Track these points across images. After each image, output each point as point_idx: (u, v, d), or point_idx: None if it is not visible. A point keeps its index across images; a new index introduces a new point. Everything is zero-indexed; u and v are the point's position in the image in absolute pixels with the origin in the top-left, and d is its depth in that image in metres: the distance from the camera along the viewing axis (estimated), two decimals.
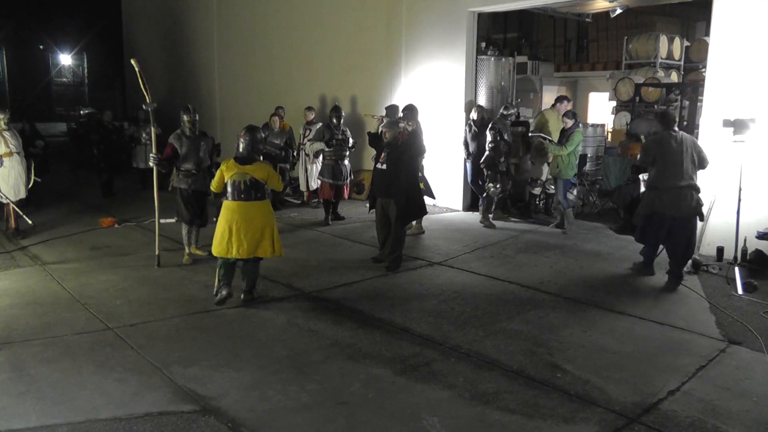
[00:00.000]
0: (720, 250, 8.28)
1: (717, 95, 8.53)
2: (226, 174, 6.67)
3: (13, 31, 30.89)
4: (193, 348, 5.64)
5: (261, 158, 6.92)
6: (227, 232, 6.54)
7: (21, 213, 9.70)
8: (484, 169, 10.62)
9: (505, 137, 10.50)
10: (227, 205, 6.68)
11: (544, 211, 11.59)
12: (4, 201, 9.71)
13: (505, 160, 10.55)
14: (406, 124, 9.06)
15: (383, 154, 8.09)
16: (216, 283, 6.77)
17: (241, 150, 6.76)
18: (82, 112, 28.23)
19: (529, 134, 10.99)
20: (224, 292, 6.66)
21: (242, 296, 6.83)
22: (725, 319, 6.35)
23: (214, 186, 6.85)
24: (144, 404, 4.60)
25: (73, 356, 5.44)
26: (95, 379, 5.00)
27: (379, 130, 8.52)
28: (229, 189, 6.68)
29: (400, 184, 7.96)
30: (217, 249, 6.61)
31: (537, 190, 11.44)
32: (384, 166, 8.03)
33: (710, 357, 5.45)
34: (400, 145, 8.10)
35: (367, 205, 8.97)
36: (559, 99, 11.20)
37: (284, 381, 4.98)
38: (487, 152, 10.54)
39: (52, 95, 34.27)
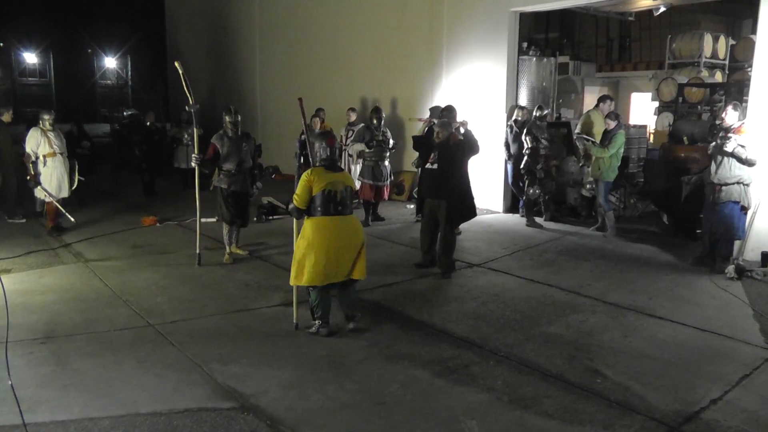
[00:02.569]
0: (765, 256, 8.08)
1: (763, 95, 8.34)
2: (315, 185, 5.66)
3: (61, 36, 31.57)
4: (233, 346, 5.69)
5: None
6: (323, 257, 5.60)
7: (64, 211, 9.88)
8: (524, 174, 10.58)
9: (542, 141, 10.41)
10: (320, 223, 5.67)
11: (586, 213, 11.46)
12: (47, 199, 9.87)
13: (544, 163, 10.46)
14: (462, 124, 8.92)
15: (433, 155, 7.97)
16: (315, 311, 5.94)
17: (325, 157, 5.89)
18: (125, 113, 28.75)
19: (575, 137, 10.87)
20: (324, 332, 5.82)
21: (350, 326, 5.97)
22: None
23: (300, 201, 5.72)
24: (184, 400, 4.66)
25: (115, 351, 5.54)
26: (136, 374, 5.09)
27: (434, 131, 8.38)
28: (319, 202, 5.67)
29: (453, 184, 7.79)
30: (306, 278, 5.65)
31: (587, 192, 11.27)
32: (435, 166, 7.89)
33: (754, 366, 5.33)
34: (452, 145, 7.98)
35: (410, 206, 8.91)
36: (602, 99, 11.05)
37: (323, 380, 5.00)
38: (525, 158, 10.49)
39: (97, 97, 34.94)
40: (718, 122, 8.31)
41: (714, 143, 7.99)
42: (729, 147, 7.74)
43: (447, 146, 7.90)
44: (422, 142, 9.40)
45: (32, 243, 9.38)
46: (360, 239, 5.84)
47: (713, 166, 7.96)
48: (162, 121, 18.18)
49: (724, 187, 7.88)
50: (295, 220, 6.07)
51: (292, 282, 5.84)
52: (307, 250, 5.65)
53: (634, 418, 4.44)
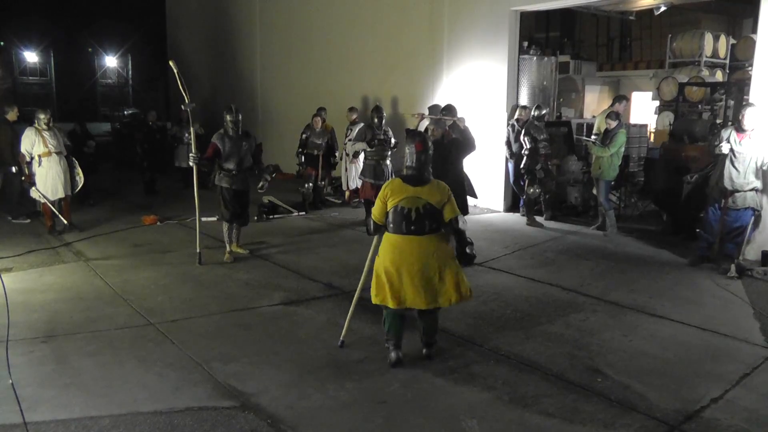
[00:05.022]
0: (765, 255, 8.08)
1: (764, 95, 8.31)
2: (391, 199, 5.10)
3: (61, 35, 31.60)
4: (234, 345, 5.69)
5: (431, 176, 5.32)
6: (396, 276, 5.04)
7: (57, 212, 9.85)
8: (524, 174, 10.58)
9: (540, 141, 10.39)
10: (390, 241, 5.12)
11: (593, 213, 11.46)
12: (41, 200, 9.81)
13: (545, 162, 10.46)
14: (458, 121, 8.82)
15: None
16: (385, 334, 5.39)
17: (410, 165, 5.24)
18: (125, 112, 28.78)
19: (591, 138, 10.81)
20: (393, 357, 5.26)
21: (424, 351, 5.41)
22: None
23: (376, 215, 5.24)
24: (184, 399, 4.66)
25: (116, 350, 5.54)
26: (137, 373, 5.09)
27: (424, 128, 8.37)
28: (391, 218, 5.11)
29: (447, 182, 7.76)
30: (381, 297, 5.14)
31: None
32: None
33: (754, 364, 5.33)
34: (447, 143, 7.96)
35: None
36: (618, 99, 11.01)
37: (323, 379, 5.00)
38: (524, 158, 10.49)
39: (97, 96, 35.00)
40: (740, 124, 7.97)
41: (728, 146, 7.73)
42: (764, 159, 7.60)
43: (441, 144, 7.89)
44: None
45: (33, 242, 9.39)
46: (439, 262, 5.06)
47: (733, 171, 7.72)
48: (163, 120, 18.19)
49: (738, 194, 7.75)
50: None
51: (373, 300, 5.26)
52: (380, 268, 5.15)
53: (634, 417, 4.45)
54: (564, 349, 5.63)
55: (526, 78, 12.28)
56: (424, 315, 5.24)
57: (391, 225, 5.11)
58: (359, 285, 5.74)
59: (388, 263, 5.08)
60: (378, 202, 5.19)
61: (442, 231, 5.16)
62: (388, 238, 5.15)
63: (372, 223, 5.32)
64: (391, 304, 5.09)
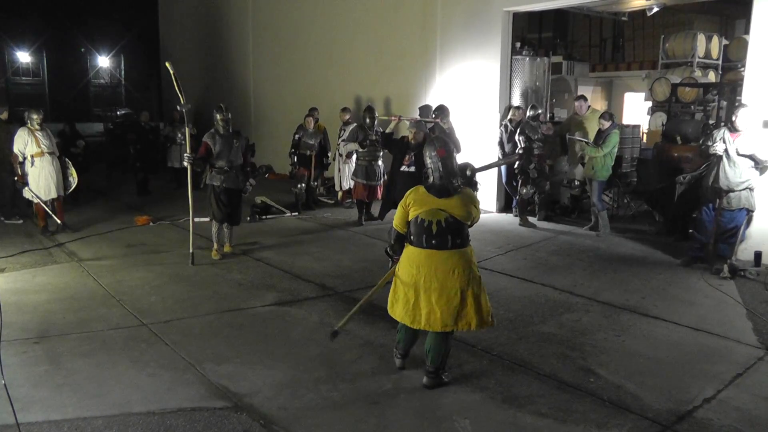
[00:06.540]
0: (758, 255, 8.10)
1: (756, 95, 8.34)
2: (412, 209, 4.76)
3: (54, 35, 31.47)
4: (227, 345, 5.68)
5: (461, 185, 4.89)
6: (413, 293, 4.72)
7: (50, 213, 9.82)
8: (517, 174, 10.60)
9: (535, 141, 10.41)
10: (410, 254, 4.79)
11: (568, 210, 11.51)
12: (35, 200, 9.79)
13: (538, 163, 10.47)
14: (441, 122, 8.78)
15: (407, 156, 7.77)
16: (395, 342, 5.25)
17: (435, 172, 4.86)
18: (118, 112, 28.67)
19: (567, 138, 10.92)
20: (398, 363, 5.20)
21: (424, 379, 4.92)
22: (763, 325, 6.21)
23: (397, 223, 4.87)
24: (177, 399, 4.65)
25: (109, 351, 5.53)
26: (130, 374, 5.08)
27: (406, 131, 8.29)
28: (412, 229, 4.77)
29: None
30: (397, 312, 4.82)
31: (577, 191, 11.31)
32: (412, 169, 7.65)
33: (747, 365, 5.34)
34: None
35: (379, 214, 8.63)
36: (576, 98, 11.13)
37: (316, 380, 5.00)
38: (517, 158, 10.51)
39: (90, 96, 34.85)
40: (727, 124, 8.04)
41: (722, 146, 7.79)
42: (745, 150, 7.62)
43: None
44: (393, 142, 9.34)
45: (26, 242, 9.36)
46: (462, 281, 4.67)
47: (729, 171, 7.75)
48: (156, 120, 18.15)
49: (732, 194, 7.79)
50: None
51: (389, 310, 4.96)
52: (398, 281, 4.85)
53: (627, 417, 4.46)
54: (557, 350, 5.64)
55: (518, 78, 12.28)
56: (435, 333, 4.82)
57: (413, 237, 4.77)
58: (370, 293, 5.29)
59: (406, 278, 4.75)
60: (399, 209, 4.85)
61: (470, 247, 4.82)
62: (408, 250, 4.82)
63: (393, 231, 4.95)
64: (405, 321, 4.81)
